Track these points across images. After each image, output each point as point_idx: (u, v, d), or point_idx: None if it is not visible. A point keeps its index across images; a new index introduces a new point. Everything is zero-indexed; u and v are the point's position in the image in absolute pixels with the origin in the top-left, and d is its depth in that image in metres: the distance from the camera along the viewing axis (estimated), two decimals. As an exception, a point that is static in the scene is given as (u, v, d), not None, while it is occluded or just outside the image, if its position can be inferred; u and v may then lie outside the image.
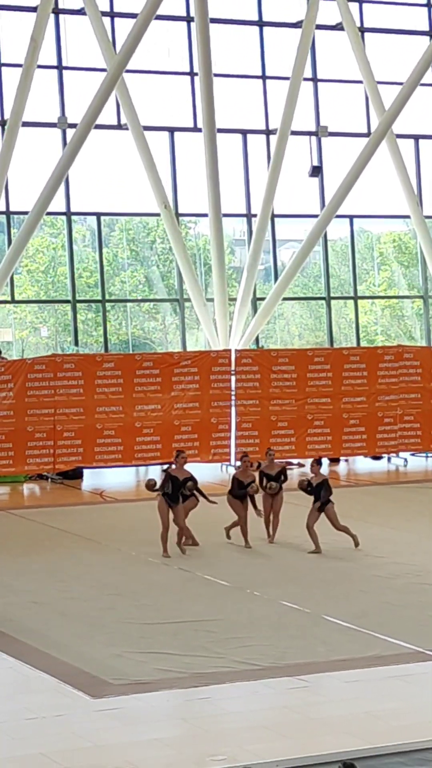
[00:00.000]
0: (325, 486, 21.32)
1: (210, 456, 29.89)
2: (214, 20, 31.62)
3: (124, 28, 31.04)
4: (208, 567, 20.12)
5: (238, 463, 30.20)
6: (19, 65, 30.00)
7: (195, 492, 21.43)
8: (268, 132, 32.99)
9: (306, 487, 21.46)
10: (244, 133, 33.09)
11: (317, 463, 22.11)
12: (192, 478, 21.39)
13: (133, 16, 30.76)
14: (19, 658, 15.55)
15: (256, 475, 22.44)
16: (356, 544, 21.32)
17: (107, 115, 30.92)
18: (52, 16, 30.90)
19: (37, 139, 30.84)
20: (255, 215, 32.31)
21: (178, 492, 20.91)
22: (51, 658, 15.51)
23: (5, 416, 28.04)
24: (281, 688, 14.44)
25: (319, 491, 21.26)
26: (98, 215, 32.49)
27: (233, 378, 30.02)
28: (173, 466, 21.59)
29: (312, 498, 21.40)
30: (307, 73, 32.93)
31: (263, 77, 33.20)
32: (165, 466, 21.41)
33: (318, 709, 13.84)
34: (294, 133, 32.36)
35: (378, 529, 23.15)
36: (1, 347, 31.25)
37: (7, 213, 30.87)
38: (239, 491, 21.62)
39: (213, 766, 11.81)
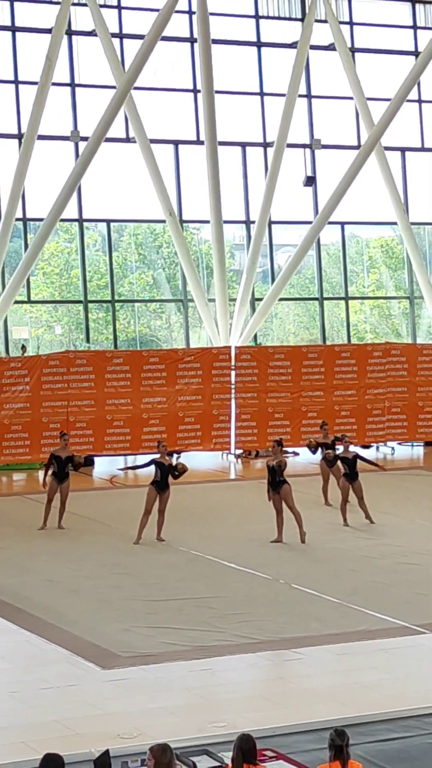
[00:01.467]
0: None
1: (212, 445, 29.90)
2: (216, 41, 31.61)
3: (132, 48, 31.03)
4: (209, 548, 20.12)
5: (239, 453, 30.28)
6: (35, 83, 30.00)
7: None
8: (265, 145, 32.96)
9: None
10: (243, 145, 33.06)
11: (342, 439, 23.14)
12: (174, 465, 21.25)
13: (140, 37, 30.75)
14: (34, 632, 15.57)
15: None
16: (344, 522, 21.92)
17: (116, 129, 30.91)
18: (65, 37, 30.88)
19: (52, 151, 30.81)
20: (253, 222, 32.30)
21: (167, 478, 20.80)
22: (64, 632, 15.53)
23: (22, 408, 28.06)
24: (278, 660, 14.47)
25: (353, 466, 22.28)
26: (108, 222, 32.48)
27: (233, 373, 30.03)
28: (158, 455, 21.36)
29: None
30: (302, 90, 32.90)
31: (261, 94, 33.18)
32: (151, 458, 21.27)
33: (312, 680, 13.85)
34: (289, 145, 32.35)
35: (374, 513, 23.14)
36: (20, 343, 31.26)
37: (24, 219, 30.86)
38: (276, 481, 20.94)
39: (213, 732, 11.82)
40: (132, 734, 11.83)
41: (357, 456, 22.61)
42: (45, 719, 12.46)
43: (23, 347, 30.16)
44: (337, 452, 23.14)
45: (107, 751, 10.23)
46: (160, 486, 20.76)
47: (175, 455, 21.49)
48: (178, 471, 21.02)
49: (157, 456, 21.04)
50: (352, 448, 23.22)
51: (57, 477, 22.06)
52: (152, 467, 20.96)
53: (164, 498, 20.79)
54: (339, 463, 22.83)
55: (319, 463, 24.24)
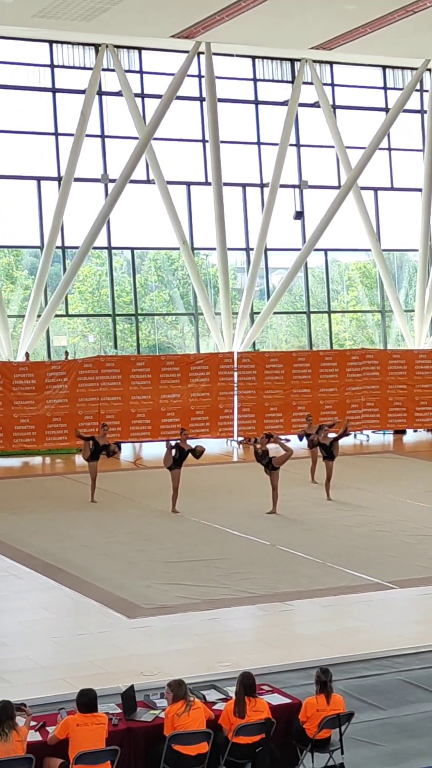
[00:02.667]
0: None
1: (218, 433, 29.85)
2: (221, 100, 31.58)
3: (151, 106, 31.01)
4: (216, 518, 20.13)
5: (241, 439, 30.27)
6: (72, 134, 29.99)
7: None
8: (262, 185, 32.90)
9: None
10: (243, 186, 32.99)
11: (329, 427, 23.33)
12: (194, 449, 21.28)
13: (158, 96, 30.75)
14: (72, 588, 15.60)
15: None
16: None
17: (139, 173, 30.88)
18: (97, 97, 30.86)
19: (85, 191, 30.76)
20: (252, 248, 32.25)
21: (183, 459, 20.94)
22: (97, 588, 15.54)
23: (61, 403, 28.05)
24: (273, 611, 14.47)
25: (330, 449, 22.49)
26: (132, 249, 32.44)
27: (236, 374, 29.99)
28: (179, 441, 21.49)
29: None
30: (292, 139, 32.82)
31: (258, 143, 33.10)
32: (173, 442, 21.32)
33: (301, 627, 13.86)
34: (282, 186, 32.29)
35: (346, 490, 23.15)
36: (60, 350, 31.26)
37: (63, 247, 30.84)
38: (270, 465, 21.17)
39: (220, 670, 11.82)
40: (153, 672, 11.85)
41: (333, 440, 22.63)
42: (81, 660, 12.49)
43: (66, 353, 30.09)
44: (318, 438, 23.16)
45: (132, 686, 10.26)
46: (177, 464, 20.78)
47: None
48: (198, 453, 21.07)
49: (179, 441, 21.18)
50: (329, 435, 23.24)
51: (93, 458, 22.08)
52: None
53: (176, 474, 20.80)
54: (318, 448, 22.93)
55: (307, 448, 24.26)
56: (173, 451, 20.91)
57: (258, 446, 21.32)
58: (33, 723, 9.64)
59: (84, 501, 21.94)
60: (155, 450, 29.37)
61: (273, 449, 21.69)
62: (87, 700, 9.46)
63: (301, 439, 24.78)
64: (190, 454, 21.05)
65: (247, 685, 9.81)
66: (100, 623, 13.94)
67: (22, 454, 28.31)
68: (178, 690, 9.66)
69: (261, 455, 21.04)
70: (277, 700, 10.26)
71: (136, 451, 29.62)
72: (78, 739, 9.25)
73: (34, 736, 9.49)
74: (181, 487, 20.88)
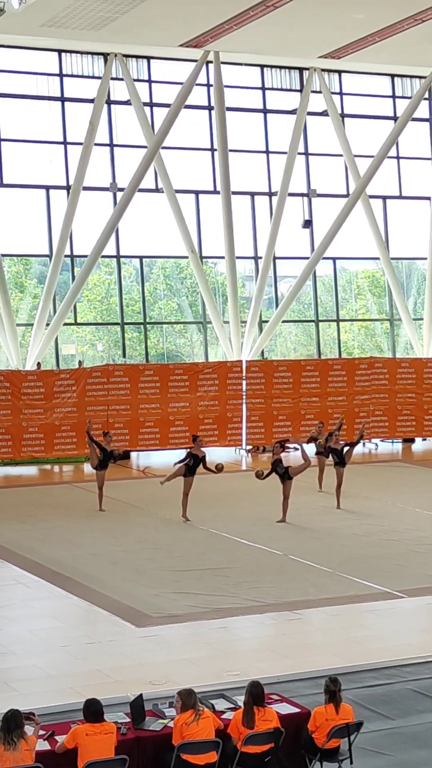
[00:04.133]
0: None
1: (226, 441, 29.86)
2: (229, 108, 31.63)
3: (160, 114, 31.06)
4: (225, 527, 20.12)
5: (249, 447, 30.25)
6: (80, 143, 30.05)
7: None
8: (270, 194, 32.93)
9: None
10: (252, 194, 33.02)
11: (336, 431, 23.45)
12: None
13: (167, 105, 30.80)
14: (81, 596, 15.60)
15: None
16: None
17: (147, 181, 30.92)
18: (105, 106, 30.91)
19: (94, 200, 30.80)
20: (261, 257, 32.27)
21: (197, 467, 20.86)
22: (105, 596, 15.54)
23: (70, 412, 28.07)
24: (282, 620, 14.46)
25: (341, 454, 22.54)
26: (141, 257, 32.48)
27: (244, 382, 30.00)
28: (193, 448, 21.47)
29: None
30: (301, 148, 32.86)
31: (267, 152, 33.14)
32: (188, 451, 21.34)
33: (310, 636, 13.85)
34: (290, 194, 32.32)
35: (355, 498, 23.14)
36: (68, 358, 31.30)
37: (72, 256, 30.87)
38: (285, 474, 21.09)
39: (229, 679, 11.81)
40: (161, 681, 11.84)
41: (348, 447, 22.74)
42: (89, 668, 12.48)
43: (80, 362, 30.01)
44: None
45: (141, 695, 10.26)
46: (190, 471, 20.73)
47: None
48: (217, 470, 21.17)
49: (193, 448, 21.13)
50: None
51: (101, 467, 22.10)
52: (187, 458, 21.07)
53: (189, 481, 20.78)
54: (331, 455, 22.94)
55: (315, 456, 24.24)
56: (188, 459, 20.89)
57: (273, 455, 21.33)
58: (42, 732, 9.64)
59: (92, 509, 21.94)
60: (163, 458, 29.41)
61: (284, 457, 21.73)
62: (94, 710, 9.46)
63: (308, 443, 24.82)
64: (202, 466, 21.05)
65: (256, 694, 9.81)
66: (108, 632, 13.94)
67: (31, 462, 28.32)
68: (188, 699, 9.66)
69: (276, 464, 20.96)
70: (286, 709, 10.25)
71: (140, 464, 29.60)
72: (87, 748, 9.25)
73: (43, 745, 9.50)
74: (191, 495, 20.86)
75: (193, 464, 20.88)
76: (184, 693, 9.71)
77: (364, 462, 29.34)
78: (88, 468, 25.83)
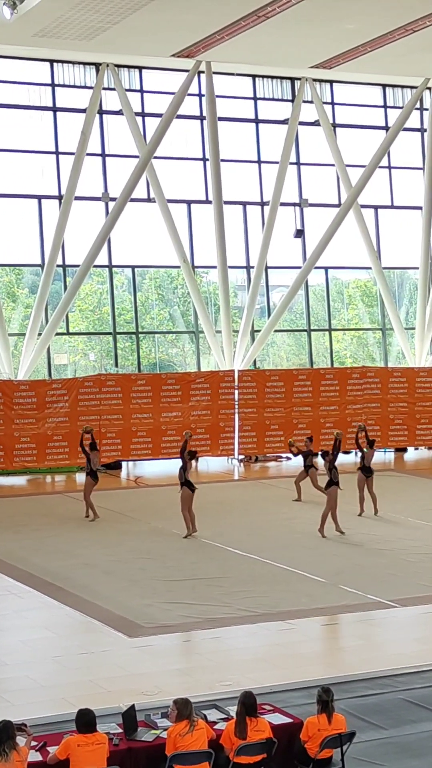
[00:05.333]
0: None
1: (219, 451, 29.86)
2: (221, 118, 31.67)
3: (152, 124, 31.09)
4: (219, 537, 20.10)
5: (241, 458, 30.24)
6: (72, 153, 30.07)
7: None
8: (262, 203, 32.97)
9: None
10: (244, 204, 33.05)
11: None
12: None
13: (159, 115, 30.84)
14: (73, 607, 15.57)
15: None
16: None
17: (139, 191, 30.94)
18: (97, 116, 30.94)
19: (86, 210, 30.81)
20: (253, 266, 32.30)
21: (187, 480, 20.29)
22: (98, 607, 15.52)
23: (62, 421, 28.06)
24: (274, 630, 14.44)
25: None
26: (133, 267, 32.48)
27: (236, 392, 30.02)
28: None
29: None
30: (292, 158, 32.91)
31: (258, 162, 33.18)
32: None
33: (302, 646, 13.83)
34: (282, 204, 32.35)
35: (347, 508, 23.11)
36: (60, 368, 31.29)
37: (64, 266, 30.87)
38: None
39: (221, 690, 11.80)
40: (154, 691, 11.82)
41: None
42: (82, 679, 12.46)
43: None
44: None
45: (133, 706, 10.23)
46: (190, 486, 20.26)
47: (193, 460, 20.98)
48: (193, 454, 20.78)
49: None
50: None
51: (91, 476, 22.10)
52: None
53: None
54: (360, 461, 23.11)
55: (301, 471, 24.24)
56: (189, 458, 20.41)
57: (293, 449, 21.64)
58: (34, 743, 9.62)
59: (85, 521, 21.90)
60: (156, 468, 29.41)
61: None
62: (86, 720, 9.44)
63: (296, 455, 24.90)
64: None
65: (248, 704, 9.79)
66: (101, 642, 13.92)
67: (23, 472, 28.29)
68: (183, 709, 9.63)
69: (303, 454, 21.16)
70: (279, 719, 10.23)
71: (131, 472, 29.61)
72: (78, 759, 9.23)
73: (35, 756, 9.47)
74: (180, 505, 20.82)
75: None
76: (180, 702, 9.69)
77: (355, 471, 29.32)
78: (80, 477, 25.82)
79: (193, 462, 20.35)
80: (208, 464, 30.15)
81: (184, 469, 20.18)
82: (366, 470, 22.70)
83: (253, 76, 32.89)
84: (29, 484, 27.66)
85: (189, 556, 18.64)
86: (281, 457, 30.92)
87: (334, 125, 33.67)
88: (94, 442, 22.87)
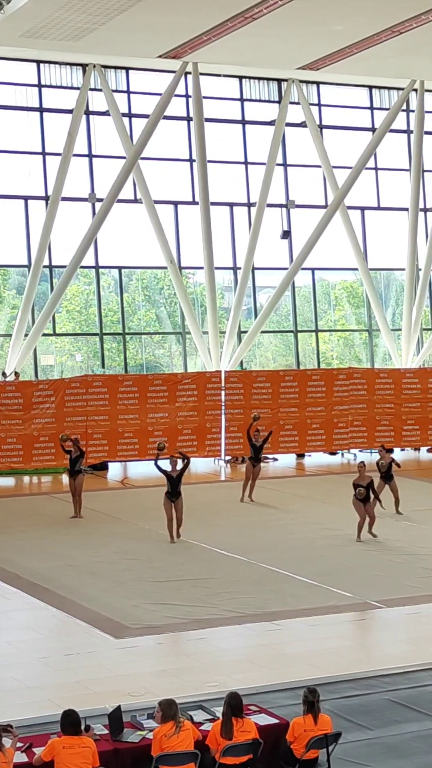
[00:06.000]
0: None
1: (205, 452, 29.83)
2: (208, 119, 31.69)
3: (139, 125, 31.09)
4: (204, 537, 20.08)
5: (228, 458, 30.23)
6: (59, 154, 30.04)
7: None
8: (249, 204, 32.99)
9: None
10: (230, 205, 33.07)
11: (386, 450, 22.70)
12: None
13: (146, 116, 30.83)
14: (59, 608, 15.54)
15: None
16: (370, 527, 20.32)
17: (126, 192, 30.93)
18: (84, 117, 30.92)
19: (73, 210, 30.80)
20: (239, 268, 32.31)
21: (176, 488, 19.73)
22: (83, 608, 15.49)
23: (48, 422, 28.01)
24: (260, 630, 14.44)
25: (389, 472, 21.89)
26: (120, 268, 32.47)
27: (223, 393, 30.00)
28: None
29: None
30: (279, 159, 32.95)
31: (245, 163, 33.20)
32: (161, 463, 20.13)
33: (288, 647, 13.82)
34: (269, 205, 32.38)
35: (334, 508, 23.13)
36: (47, 369, 31.24)
37: (50, 266, 30.85)
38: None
39: (207, 690, 11.79)
40: (140, 692, 11.80)
41: (392, 461, 22.46)
42: (68, 680, 12.44)
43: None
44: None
45: (119, 707, 10.22)
46: (172, 495, 19.77)
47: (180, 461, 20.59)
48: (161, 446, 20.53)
49: (169, 469, 19.91)
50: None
51: (171, 496, 21.52)
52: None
53: (177, 505, 19.75)
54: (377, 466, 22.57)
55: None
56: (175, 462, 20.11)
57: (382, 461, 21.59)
58: (19, 744, 9.60)
59: (71, 521, 21.88)
60: (142, 469, 29.37)
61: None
62: (71, 721, 9.42)
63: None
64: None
65: (234, 705, 9.78)
66: (86, 643, 13.89)
67: (9, 473, 28.23)
68: (168, 710, 9.62)
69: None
70: (265, 720, 10.23)
71: (122, 473, 29.59)
72: (63, 761, 9.21)
73: (21, 758, 9.45)
74: (168, 510, 20.74)
75: (171, 489, 20.07)
76: (164, 703, 9.68)
77: (342, 472, 29.35)
78: (66, 478, 25.77)
79: (180, 462, 20.18)
80: (196, 466, 30.15)
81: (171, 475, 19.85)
82: (387, 476, 22.37)
83: (240, 78, 32.90)
84: (15, 484, 27.59)
85: (175, 557, 18.63)
86: (268, 458, 30.91)
87: (321, 127, 33.70)
88: (77, 442, 22.92)
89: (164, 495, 19.87)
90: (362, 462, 21.19)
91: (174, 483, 19.79)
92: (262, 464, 24.99)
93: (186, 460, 20.21)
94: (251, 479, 24.07)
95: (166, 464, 19.92)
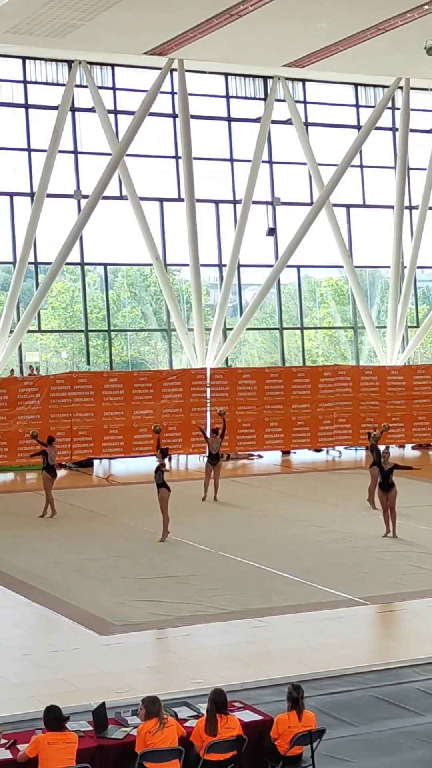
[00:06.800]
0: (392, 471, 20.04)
1: (190, 449, 29.84)
2: (194, 116, 31.67)
3: (124, 122, 31.07)
4: (190, 534, 20.09)
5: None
6: (44, 150, 30.00)
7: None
8: (234, 201, 33.00)
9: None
10: (216, 202, 33.07)
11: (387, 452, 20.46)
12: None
13: (131, 113, 30.81)
14: (45, 605, 15.53)
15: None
16: (393, 534, 19.93)
17: (112, 189, 30.89)
18: (69, 113, 30.88)
19: (58, 207, 30.77)
20: (225, 265, 32.31)
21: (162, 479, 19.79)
22: (69, 605, 15.49)
23: (33, 419, 27.97)
24: (245, 627, 14.46)
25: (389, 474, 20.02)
26: (105, 265, 32.44)
27: (208, 390, 30.01)
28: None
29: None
30: (265, 156, 32.97)
31: (231, 160, 33.21)
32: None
33: (273, 644, 13.84)
34: (254, 202, 32.38)
35: (319, 505, 23.17)
36: (34, 366, 31.19)
37: (35, 263, 30.80)
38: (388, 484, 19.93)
39: (192, 687, 11.80)
40: (124, 689, 11.81)
41: (394, 466, 20.16)
42: (52, 677, 12.43)
43: (33, 368, 29.86)
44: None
45: (103, 704, 10.22)
46: (167, 486, 19.85)
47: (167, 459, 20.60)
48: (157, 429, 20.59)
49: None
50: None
51: (49, 472, 21.98)
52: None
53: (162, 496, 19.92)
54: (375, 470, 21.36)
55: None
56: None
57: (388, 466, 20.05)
58: (3, 741, 9.59)
59: (56, 519, 21.86)
60: (127, 466, 29.37)
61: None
62: (55, 716, 9.42)
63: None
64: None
65: (219, 701, 9.79)
66: (71, 640, 13.89)
67: (-5, 470, 28.20)
68: (151, 707, 9.62)
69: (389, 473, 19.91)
70: (249, 716, 10.24)
71: (105, 469, 29.58)
72: (48, 757, 9.21)
73: (5, 754, 9.44)
74: (153, 503, 20.79)
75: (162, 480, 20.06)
76: (147, 700, 9.68)
77: (327, 469, 29.41)
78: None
79: (165, 460, 20.18)
80: (186, 462, 30.15)
81: (160, 470, 19.82)
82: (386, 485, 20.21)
83: (226, 75, 32.90)
84: (0, 482, 27.56)
85: (160, 555, 18.63)
86: (253, 455, 30.94)
87: (307, 124, 33.72)
88: (51, 438, 22.83)
89: (162, 488, 19.71)
90: (387, 447, 20.90)
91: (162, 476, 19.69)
92: (222, 461, 25.05)
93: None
94: (213, 478, 24.00)
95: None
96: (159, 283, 31.71)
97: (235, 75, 32.97)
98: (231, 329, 32.30)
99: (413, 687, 12.09)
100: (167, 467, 19.99)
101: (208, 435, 25.12)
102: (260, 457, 30.88)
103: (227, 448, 30.19)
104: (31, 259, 30.26)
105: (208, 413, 29.87)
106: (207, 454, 24.58)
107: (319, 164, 33.03)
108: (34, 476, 28.16)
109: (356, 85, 34.45)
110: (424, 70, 31.43)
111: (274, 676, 12.21)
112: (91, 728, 9.92)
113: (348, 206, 34.58)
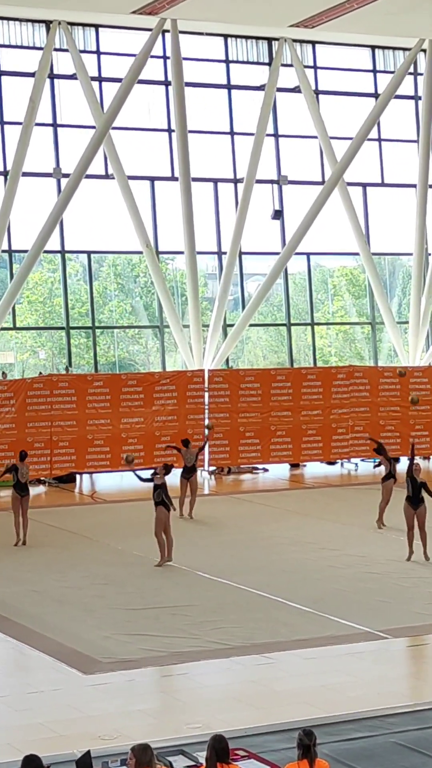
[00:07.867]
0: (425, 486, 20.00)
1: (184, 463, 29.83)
2: (189, 84, 31.72)
3: (110, 90, 31.11)
4: (184, 558, 20.10)
5: (212, 469, 30.26)
6: (19, 123, 30.03)
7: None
8: (235, 180, 33.06)
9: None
10: (215, 181, 33.13)
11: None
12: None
13: (118, 80, 30.84)
14: (20, 639, 15.53)
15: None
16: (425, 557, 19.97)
17: (96, 167, 30.94)
18: (48, 81, 30.92)
19: (35, 187, 30.81)
20: (225, 252, 32.35)
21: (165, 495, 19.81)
22: (48, 639, 15.49)
23: (8, 428, 28.00)
24: (249, 665, 14.45)
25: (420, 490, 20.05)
26: (89, 253, 32.48)
27: (206, 394, 30.05)
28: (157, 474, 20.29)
29: None
30: (270, 129, 33.02)
31: (231, 133, 33.27)
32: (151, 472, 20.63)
33: (281, 683, 13.85)
34: (258, 181, 32.44)
35: (332, 524, 23.17)
36: (6, 367, 31.20)
37: (10, 251, 30.84)
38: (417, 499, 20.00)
39: (189, 733, 11.81)
40: (112, 735, 11.81)
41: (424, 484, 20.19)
42: (30, 722, 12.43)
43: (3, 374, 29.84)
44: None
45: (89, 752, 10.20)
46: (167, 506, 19.85)
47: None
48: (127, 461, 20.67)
49: (158, 476, 19.99)
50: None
51: (19, 491, 21.87)
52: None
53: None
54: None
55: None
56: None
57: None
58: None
59: (34, 541, 21.85)
60: (114, 482, 29.40)
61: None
62: (34, 767, 9.41)
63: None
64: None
65: (220, 749, 9.78)
66: (52, 680, 13.89)
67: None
68: (142, 756, 9.60)
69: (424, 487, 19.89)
70: (255, 766, 10.25)
71: (91, 486, 29.61)
72: None
73: (-24, 810, 9.44)
74: (143, 524, 20.82)
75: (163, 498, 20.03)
76: (138, 749, 9.66)
77: (342, 484, 29.44)
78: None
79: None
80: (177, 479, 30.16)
81: (158, 486, 19.79)
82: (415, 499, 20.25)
83: (225, 36, 32.96)
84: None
85: (152, 582, 18.64)
86: (257, 468, 30.96)
87: (317, 92, 33.77)
88: (23, 453, 22.77)
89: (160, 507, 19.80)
90: (417, 463, 20.71)
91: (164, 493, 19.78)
92: (197, 476, 25.10)
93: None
94: (189, 494, 24.05)
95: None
96: (150, 273, 31.74)
97: (236, 36, 33.02)
98: (232, 326, 32.34)
99: (440, 732, 12.10)
100: (161, 481, 19.94)
101: (181, 447, 25.07)
102: (265, 470, 30.91)
103: (228, 461, 30.24)
104: (5, 246, 30.29)
105: (206, 421, 29.88)
106: (183, 467, 24.54)
107: (331, 138, 33.08)
108: (8, 494, 28.16)
109: (373, 47, 34.51)
110: (450, 31, 31.51)
111: (282, 720, 12.22)
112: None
113: (364, 185, 34.63)
